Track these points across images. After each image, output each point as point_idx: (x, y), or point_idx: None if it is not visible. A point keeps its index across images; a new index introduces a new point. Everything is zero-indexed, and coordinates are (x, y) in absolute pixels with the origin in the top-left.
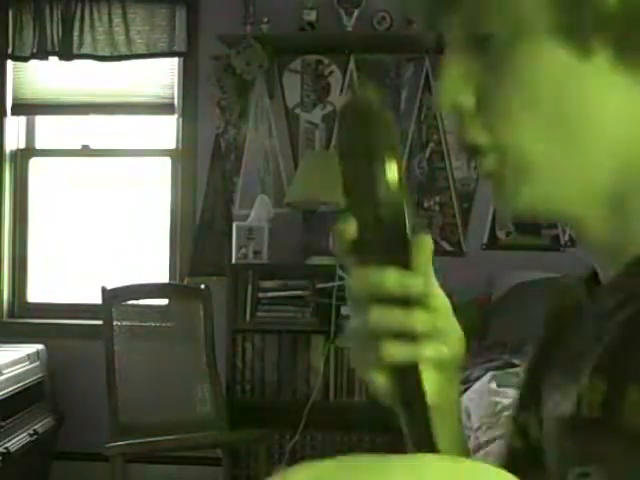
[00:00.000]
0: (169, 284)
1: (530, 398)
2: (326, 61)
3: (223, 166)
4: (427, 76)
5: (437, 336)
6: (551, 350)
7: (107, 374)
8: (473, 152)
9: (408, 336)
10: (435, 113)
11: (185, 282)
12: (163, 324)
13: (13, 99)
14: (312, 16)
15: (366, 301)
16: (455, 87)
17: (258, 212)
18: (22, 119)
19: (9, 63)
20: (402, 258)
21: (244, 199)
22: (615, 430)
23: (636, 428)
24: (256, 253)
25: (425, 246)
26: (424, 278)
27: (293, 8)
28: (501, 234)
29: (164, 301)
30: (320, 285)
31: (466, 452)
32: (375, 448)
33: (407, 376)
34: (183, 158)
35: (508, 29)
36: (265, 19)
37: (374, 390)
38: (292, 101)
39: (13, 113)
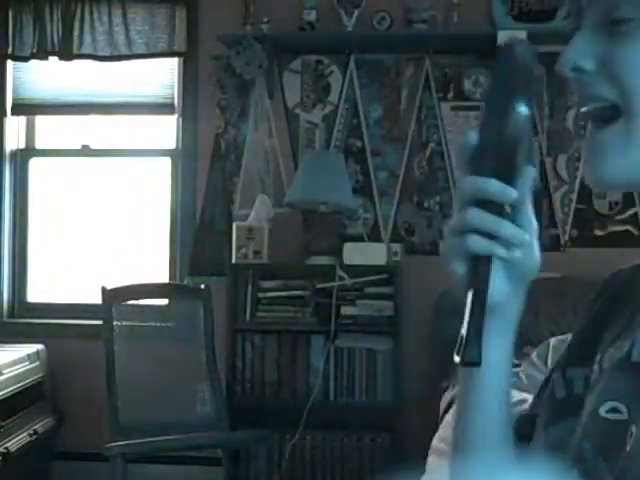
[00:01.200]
0: (169, 284)
1: (580, 356)
2: (326, 61)
3: (223, 166)
4: (427, 76)
5: (515, 245)
6: (608, 311)
7: (107, 374)
8: (592, 101)
9: (492, 235)
10: (435, 113)
11: (185, 282)
12: (163, 324)
13: (13, 99)
14: (312, 16)
15: (469, 201)
16: (579, 53)
17: (258, 212)
18: (22, 119)
19: (9, 63)
20: (508, 177)
21: (244, 199)
22: None
23: None
24: (256, 253)
25: (528, 175)
26: (521, 197)
27: (293, 8)
28: None
29: (164, 301)
30: (320, 285)
31: (510, 356)
32: (375, 448)
33: (479, 266)
34: (183, 158)
35: (636, 15)
36: (265, 19)
37: (453, 276)
38: (292, 101)
39: (13, 113)
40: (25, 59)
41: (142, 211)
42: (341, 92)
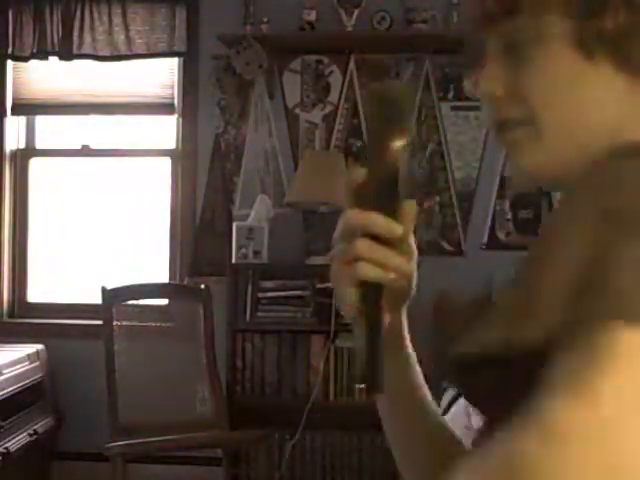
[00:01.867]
0: (169, 284)
1: None
2: (326, 61)
3: (223, 166)
4: (427, 76)
5: (401, 273)
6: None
7: (107, 374)
8: (501, 127)
9: (380, 263)
10: (435, 113)
11: (185, 282)
12: (163, 324)
13: (13, 99)
14: (312, 16)
15: (354, 233)
16: (490, 80)
17: (258, 212)
18: (22, 119)
19: (9, 63)
20: (391, 211)
21: (244, 199)
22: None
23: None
24: (256, 253)
25: (410, 209)
26: (404, 231)
27: (293, 8)
28: (501, 234)
29: (164, 301)
30: (320, 285)
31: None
32: (375, 448)
33: (371, 292)
34: (183, 158)
35: (534, 39)
36: (265, 19)
37: (342, 303)
38: (292, 101)
39: (13, 113)
40: (25, 59)
41: (142, 211)
42: (341, 92)
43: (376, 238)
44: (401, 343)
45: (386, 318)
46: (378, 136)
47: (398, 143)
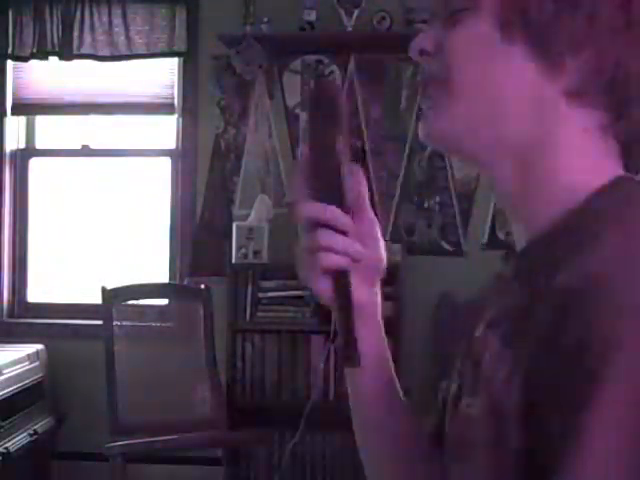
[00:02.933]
0: (169, 284)
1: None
2: (326, 61)
3: (223, 166)
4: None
5: (362, 257)
6: (461, 334)
7: (107, 374)
8: (424, 85)
9: (339, 251)
10: None
11: (185, 282)
12: (163, 324)
13: (13, 99)
14: (312, 16)
15: (309, 226)
16: (423, 38)
17: (258, 212)
18: (22, 119)
19: (9, 63)
20: (340, 199)
21: (244, 199)
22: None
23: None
24: (256, 253)
25: (355, 182)
26: (360, 207)
27: (293, 8)
28: (501, 234)
29: (164, 301)
30: None
31: (383, 349)
32: None
33: (339, 278)
34: (183, 158)
35: (466, 7)
36: (265, 19)
37: (315, 290)
38: (292, 101)
39: (13, 113)
40: (25, 59)
41: (142, 211)
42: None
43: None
44: (375, 321)
45: (362, 294)
46: (320, 136)
47: (339, 141)
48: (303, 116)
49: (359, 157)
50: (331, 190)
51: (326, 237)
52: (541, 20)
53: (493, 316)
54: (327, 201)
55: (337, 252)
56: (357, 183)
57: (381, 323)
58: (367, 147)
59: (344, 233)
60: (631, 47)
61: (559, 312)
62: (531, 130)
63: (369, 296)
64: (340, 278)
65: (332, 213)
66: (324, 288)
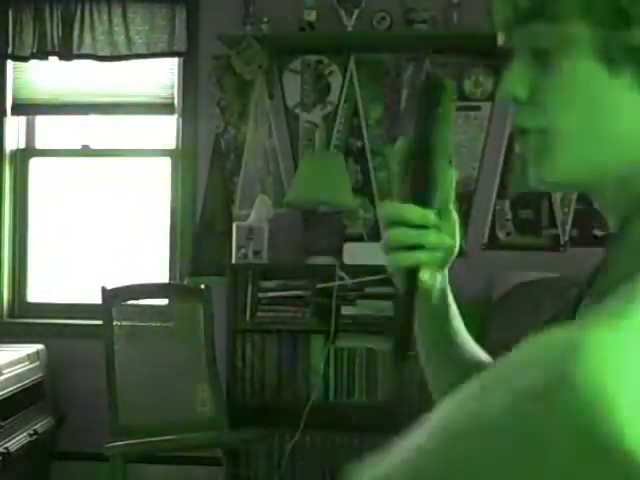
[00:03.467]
0: (169, 284)
1: None
2: (326, 61)
3: (223, 166)
4: (427, 76)
5: (439, 248)
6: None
7: (107, 374)
8: (519, 134)
9: (415, 247)
10: None
11: (185, 282)
12: (163, 324)
13: (13, 99)
14: (312, 16)
15: (392, 223)
16: (515, 82)
17: (258, 212)
18: (22, 119)
19: (9, 63)
20: (426, 189)
21: (244, 199)
22: None
23: None
24: (256, 253)
25: (448, 177)
26: (445, 200)
27: (293, 8)
28: (501, 234)
29: (164, 301)
30: (320, 285)
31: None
32: (375, 448)
33: (407, 276)
34: (183, 158)
35: (558, 46)
36: (265, 19)
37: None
38: (292, 101)
39: (13, 113)
40: (25, 59)
41: (142, 211)
42: (341, 92)
43: (412, 224)
44: (446, 297)
45: (433, 281)
46: (427, 135)
47: (442, 140)
48: (303, 116)
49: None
50: (422, 189)
51: (399, 234)
52: None
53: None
54: (416, 199)
55: (408, 247)
56: (447, 185)
57: (452, 305)
58: (367, 147)
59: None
60: None
61: None
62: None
63: (441, 282)
64: (407, 276)
65: (414, 214)
66: (399, 280)
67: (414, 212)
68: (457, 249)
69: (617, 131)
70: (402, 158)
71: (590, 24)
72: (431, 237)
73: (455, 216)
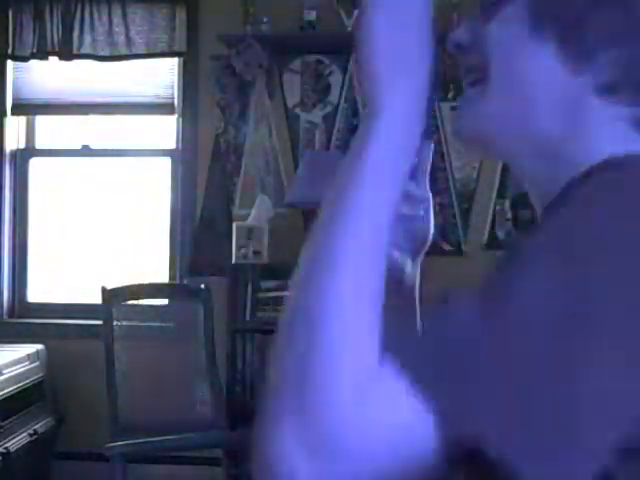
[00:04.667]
0: (169, 284)
1: None
2: (326, 61)
3: (223, 166)
4: None
5: (419, 203)
6: None
7: (107, 374)
8: (464, 79)
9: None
10: (435, 113)
11: (185, 282)
12: (163, 324)
13: (13, 99)
14: (312, 16)
15: None
16: (460, 31)
17: (258, 212)
18: (22, 119)
19: (9, 63)
20: None
21: (244, 199)
22: None
23: None
24: (256, 253)
25: (426, 149)
26: (422, 169)
27: (293, 8)
28: (501, 234)
29: (164, 301)
30: None
31: None
32: None
33: None
34: (183, 158)
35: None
36: (265, 19)
37: None
38: (292, 101)
39: (13, 113)
40: (25, 59)
41: (142, 211)
42: (341, 92)
43: None
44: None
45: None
46: None
47: None
48: (303, 116)
49: None
50: None
51: None
52: (572, 17)
53: None
54: None
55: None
56: (425, 159)
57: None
58: None
59: None
60: None
61: None
62: (563, 127)
63: (413, 267)
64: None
65: None
66: None
67: None
68: (431, 235)
69: (537, 98)
70: None
71: None
72: (404, 209)
73: (429, 196)
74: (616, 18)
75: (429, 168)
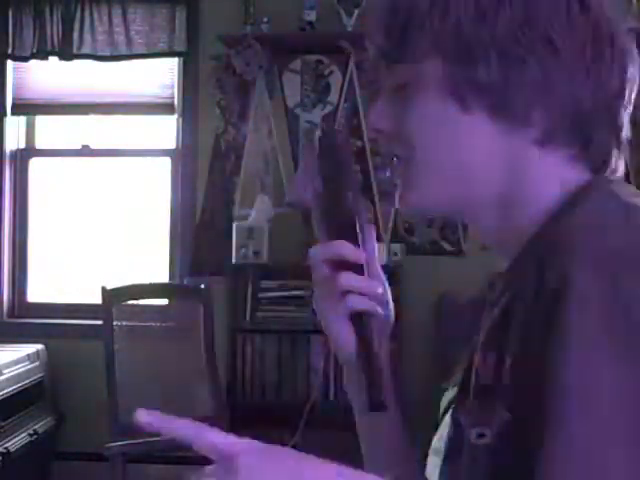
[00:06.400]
0: (169, 284)
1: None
2: (326, 61)
3: (223, 166)
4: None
5: (383, 302)
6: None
7: (107, 374)
8: (391, 158)
9: (366, 293)
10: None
11: (185, 282)
12: (163, 324)
13: (13, 99)
14: (312, 16)
15: (328, 270)
16: (378, 117)
17: (258, 212)
18: (22, 119)
19: (9, 63)
20: (354, 239)
21: (244, 199)
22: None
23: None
24: (256, 253)
25: (370, 234)
26: (370, 255)
27: (293, 8)
28: None
29: (164, 301)
30: None
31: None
32: None
33: (365, 322)
34: (183, 158)
35: (414, 82)
36: (265, 19)
37: (337, 339)
38: (292, 101)
39: (13, 113)
40: (25, 59)
41: (142, 211)
42: (341, 92)
43: (356, 269)
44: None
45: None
46: (333, 185)
47: (349, 190)
48: (303, 116)
49: (362, 158)
50: (345, 237)
51: (350, 278)
52: (493, 86)
53: (485, 335)
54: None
55: (362, 293)
56: (369, 239)
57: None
58: (367, 147)
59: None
60: (586, 81)
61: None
62: (505, 181)
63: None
64: (365, 322)
65: (351, 249)
66: (347, 333)
67: (355, 250)
68: (392, 317)
69: (474, 163)
70: (319, 216)
71: (442, 62)
72: (379, 288)
73: (381, 275)
74: (536, 76)
75: (377, 254)
